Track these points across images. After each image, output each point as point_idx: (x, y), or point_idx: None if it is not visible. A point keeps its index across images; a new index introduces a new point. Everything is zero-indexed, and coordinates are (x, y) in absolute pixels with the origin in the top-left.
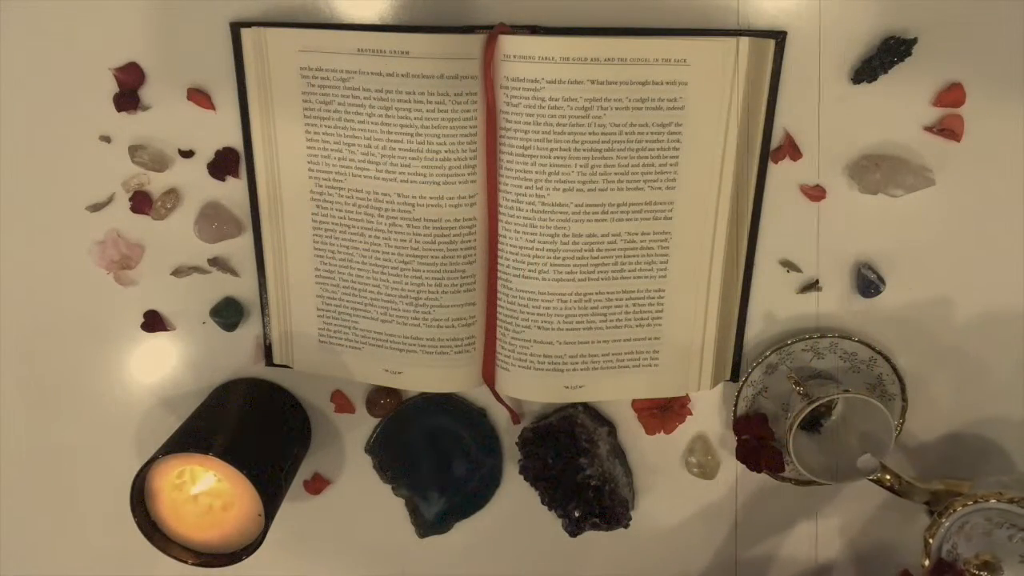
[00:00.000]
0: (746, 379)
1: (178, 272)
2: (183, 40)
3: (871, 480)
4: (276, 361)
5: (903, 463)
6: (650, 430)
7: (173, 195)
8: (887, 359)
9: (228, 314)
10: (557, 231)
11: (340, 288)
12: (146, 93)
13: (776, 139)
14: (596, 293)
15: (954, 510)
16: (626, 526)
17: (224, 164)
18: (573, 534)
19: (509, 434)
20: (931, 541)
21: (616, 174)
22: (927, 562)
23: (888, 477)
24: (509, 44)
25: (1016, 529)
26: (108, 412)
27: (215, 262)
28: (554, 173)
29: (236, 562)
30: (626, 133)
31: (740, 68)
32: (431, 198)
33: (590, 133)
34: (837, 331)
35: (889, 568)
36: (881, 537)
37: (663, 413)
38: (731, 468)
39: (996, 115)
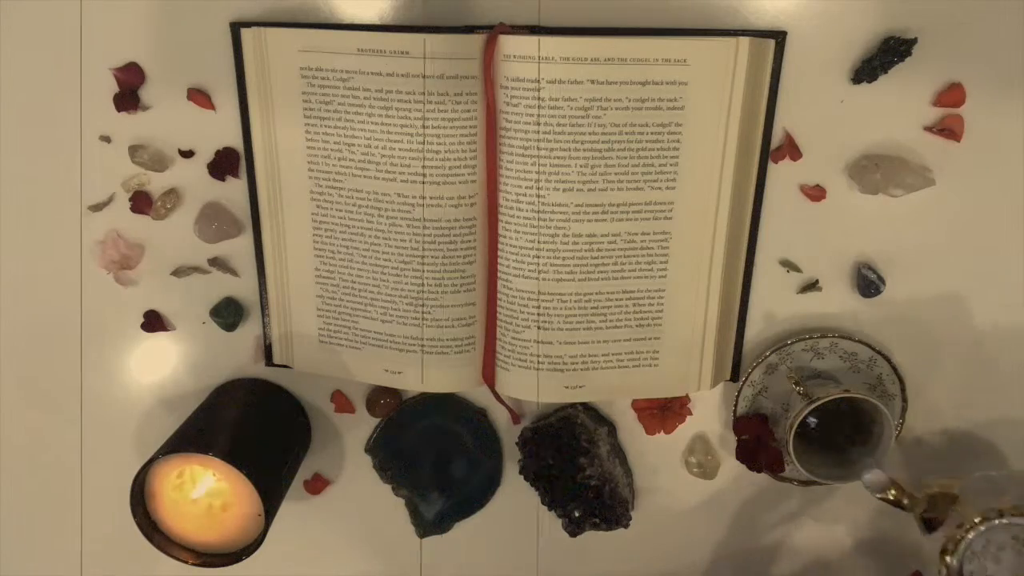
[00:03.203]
0: (746, 379)
1: (178, 272)
2: (183, 40)
3: (879, 498)
4: (276, 361)
5: (903, 463)
6: (650, 430)
7: (173, 195)
8: (887, 359)
9: (228, 314)
10: (557, 231)
11: (340, 288)
12: (146, 93)
13: (776, 139)
14: (596, 293)
15: (973, 529)
16: (626, 526)
17: (224, 164)
18: (573, 534)
19: (509, 434)
20: (950, 560)
21: (616, 174)
22: None
23: (898, 494)
24: (509, 44)
25: None
26: (108, 412)
27: (215, 262)
28: (554, 173)
29: (236, 562)
30: (626, 133)
31: (740, 68)
32: (431, 198)
33: (590, 133)
34: (837, 331)
35: (890, 567)
36: (882, 536)
37: (663, 413)
38: (731, 468)
39: (996, 115)
